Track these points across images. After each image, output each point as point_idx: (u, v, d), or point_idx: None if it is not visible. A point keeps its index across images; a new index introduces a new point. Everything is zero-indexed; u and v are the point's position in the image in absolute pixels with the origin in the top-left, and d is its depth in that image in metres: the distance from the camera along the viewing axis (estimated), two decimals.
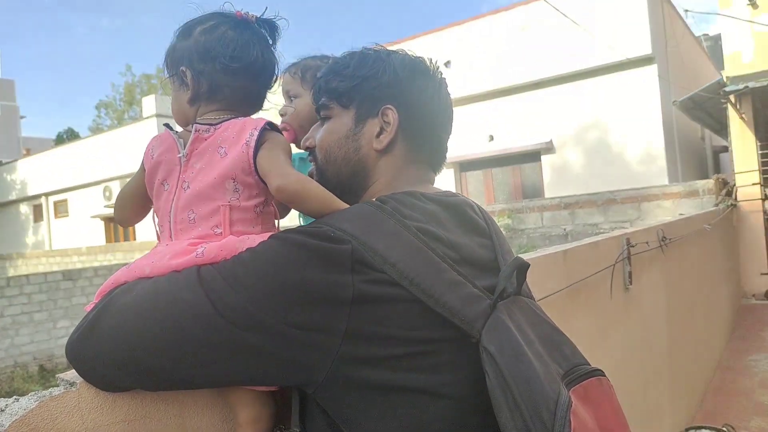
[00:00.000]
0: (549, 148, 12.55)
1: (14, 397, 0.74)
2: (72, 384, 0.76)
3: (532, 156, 12.90)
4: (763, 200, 8.64)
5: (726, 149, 11.50)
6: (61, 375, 0.79)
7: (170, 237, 0.90)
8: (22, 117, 36.10)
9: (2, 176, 24.33)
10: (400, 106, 0.95)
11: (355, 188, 0.96)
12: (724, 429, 3.80)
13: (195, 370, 0.76)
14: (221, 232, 0.86)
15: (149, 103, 18.86)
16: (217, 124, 0.91)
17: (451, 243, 0.83)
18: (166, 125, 0.98)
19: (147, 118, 18.20)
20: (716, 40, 19.38)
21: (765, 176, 8.75)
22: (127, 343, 0.75)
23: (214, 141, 0.90)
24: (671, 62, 12.08)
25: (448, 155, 1.08)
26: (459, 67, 12.87)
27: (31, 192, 22.74)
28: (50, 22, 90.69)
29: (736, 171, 8.88)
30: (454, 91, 1.10)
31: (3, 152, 31.13)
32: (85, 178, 20.06)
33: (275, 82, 1.02)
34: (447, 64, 12.76)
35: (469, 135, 13.13)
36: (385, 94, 0.95)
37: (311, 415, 0.83)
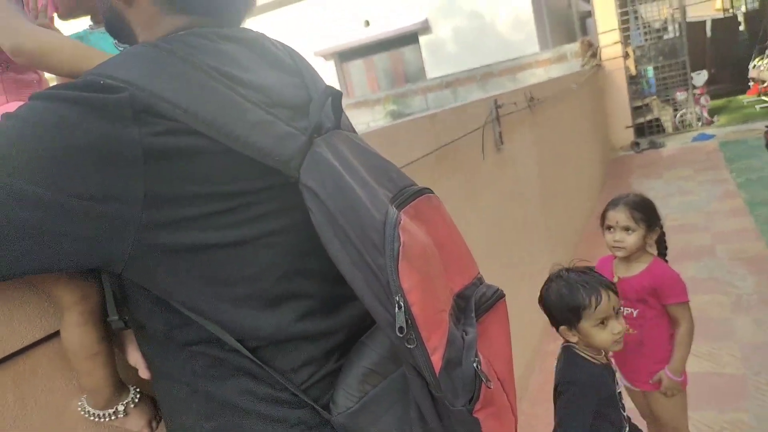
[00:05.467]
0: (425, 28, 12.41)
1: None
2: None
3: (410, 38, 12.73)
4: (624, 58, 9.15)
5: (590, 14, 11.91)
6: None
7: None
8: None
9: None
10: None
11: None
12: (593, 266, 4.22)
13: None
14: None
15: None
16: None
17: (258, 85, 0.73)
18: None
19: None
20: None
21: (625, 34, 9.21)
22: None
23: None
24: None
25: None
26: None
27: None
28: None
29: (599, 32, 9.26)
30: None
31: None
32: None
33: None
34: None
35: (345, 22, 12.67)
36: None
37: (131, 298, 0.74)
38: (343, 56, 13.42)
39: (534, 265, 3.55)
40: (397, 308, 0.66)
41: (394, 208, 0.70)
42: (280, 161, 0.69)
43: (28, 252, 0.62)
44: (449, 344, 0.70)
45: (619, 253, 1.97)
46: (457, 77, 9.92)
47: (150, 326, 0.75)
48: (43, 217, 0.60)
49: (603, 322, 1.50)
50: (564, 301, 1.52)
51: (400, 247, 0.66)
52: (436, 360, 0.68)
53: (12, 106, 0.70)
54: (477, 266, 0.87)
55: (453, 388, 0.70)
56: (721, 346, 2.95)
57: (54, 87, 0.65)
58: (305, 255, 0.74)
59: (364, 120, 10.59)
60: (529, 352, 2.98)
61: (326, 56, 13.14)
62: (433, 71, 12.28)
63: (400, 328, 0.66)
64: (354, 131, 0.89)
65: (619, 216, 1.95)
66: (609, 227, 1.99)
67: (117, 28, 0.80)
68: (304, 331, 0.74)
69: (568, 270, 1.58)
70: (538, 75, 9.16)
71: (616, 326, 1.51)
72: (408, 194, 0.76)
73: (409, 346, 0.67)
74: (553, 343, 3.40)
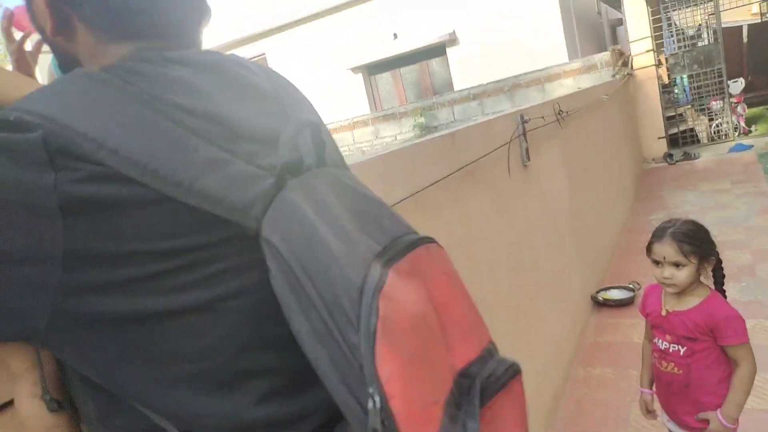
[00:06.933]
0: (453, 40, 12.34)
1: None
2: None
3: (438, 50, 12.68)
4: (657, 66, 8.92)
5: (621, 22, 11.68)
6: None
7: None
8: None
9: None
10: None
11: None
12: (630, 285, 4.05)
13: None
14: None
15: None
16: None
17: (213, 115, 0.61)
18: None
19: None
20: None
21: (657, 42, 8.99)
22: None
23: None
24: None
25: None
26: None
27: None
28: None
29: (630, 40, 9.05)
30: None
31: None
32: None
33: None
34: None
35: (373, 36, 12.69)
36: None
37: (67, 374, 0.65)
38: (372, 69, 13.42)
39: (565, 285, 3.43)
40: (370, 403, 0.51)
41: (380, 267, 0.55)
42: (235, 210, 0.57)
43: None
44: None
45: (671, 290, 1.76)
46: (484, 89, 9.81)
47: (83, 410, 0.65)
48: None
49: (658, 263, 1.75)
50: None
51: (378, 323, 0.52)
52: None
53: None
54: (488, 332, 0.69)
55: None
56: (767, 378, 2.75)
57: None
58: (269, 321, 0.61)
59: (391, 133, 10.54)
60: (558, 379, 2.85)
61: (354, 70, 13.19)
62: (460, 83, 12.19)
63: (374, 431, 0.51)
64: (345, 166, 0.77)
65: (667, 251, 1.72)
66: (656, 262, 1.77)
67: (67, 64, 0.71)
68: (269, 417, 0.61)
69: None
70: (567, 85, 8.99)
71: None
72: (402, 245, 0.59)
73: None
74: (582, 369, 3.25)
